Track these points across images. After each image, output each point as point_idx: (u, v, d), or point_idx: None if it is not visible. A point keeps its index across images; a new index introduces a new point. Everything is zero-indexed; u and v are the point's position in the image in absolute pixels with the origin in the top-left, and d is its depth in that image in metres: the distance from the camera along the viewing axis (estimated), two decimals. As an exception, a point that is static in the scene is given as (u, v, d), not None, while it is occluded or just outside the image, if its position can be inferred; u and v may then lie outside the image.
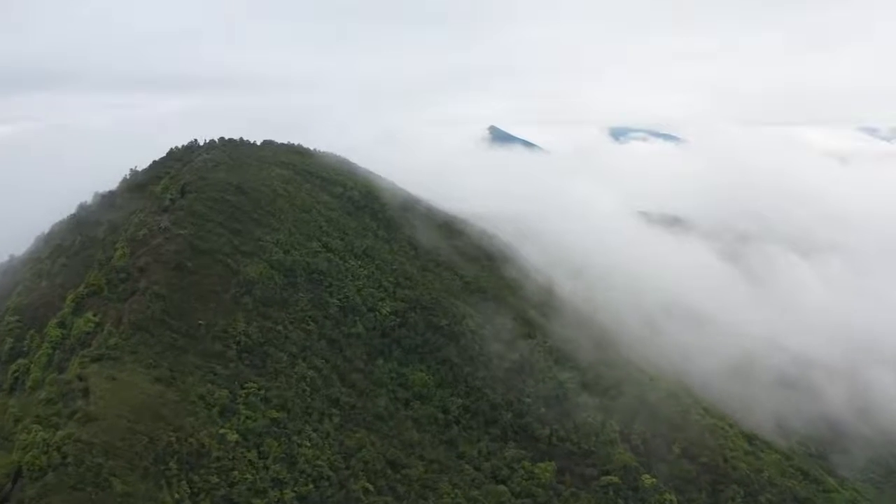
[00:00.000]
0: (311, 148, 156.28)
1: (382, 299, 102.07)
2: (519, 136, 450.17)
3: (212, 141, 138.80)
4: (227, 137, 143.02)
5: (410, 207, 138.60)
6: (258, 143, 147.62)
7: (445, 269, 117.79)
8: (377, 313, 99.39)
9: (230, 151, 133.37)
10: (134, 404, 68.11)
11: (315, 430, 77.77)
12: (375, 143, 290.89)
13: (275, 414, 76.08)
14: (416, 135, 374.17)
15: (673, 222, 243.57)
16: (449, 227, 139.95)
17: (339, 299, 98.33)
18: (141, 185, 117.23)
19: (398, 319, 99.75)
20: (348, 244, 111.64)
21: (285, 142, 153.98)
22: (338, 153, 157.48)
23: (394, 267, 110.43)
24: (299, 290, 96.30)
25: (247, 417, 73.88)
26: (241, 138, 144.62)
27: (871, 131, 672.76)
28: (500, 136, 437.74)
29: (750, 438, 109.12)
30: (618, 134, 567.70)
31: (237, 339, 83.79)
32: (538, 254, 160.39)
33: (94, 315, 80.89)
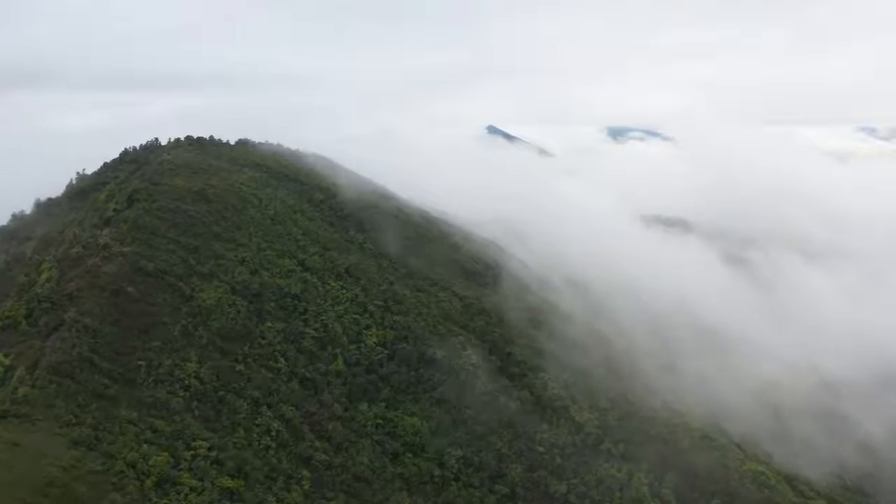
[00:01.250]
0: (296, 148, 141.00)
1: (368, 327, 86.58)
2: (516, 135, 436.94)
3: (176, 140, 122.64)
4: (195, 136, 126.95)
5: (403, 216, 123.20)
6: (231, 143, 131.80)
7: (442, 289, 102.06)
8: (361, 345, 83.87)
9: (196, 152, 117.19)
10: (39, 480, 52.45)
11: (280, 501, 62.34)
12: (371, 142, 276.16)
13: (228, 482, 60.46)
14: (413, 134, 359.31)
15: (673, 223, 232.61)
16: (445, 238, 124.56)
17: (315, 329, 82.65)
18: (86, 191, 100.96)
19: (386, 352, 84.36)
20: (329, 261, 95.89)
21: (279, 142, 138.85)
22: (330, 153, 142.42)
23: (382, 287, 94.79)
24: (267, 320, 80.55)
25: (191, 489, 58.21)
26: (210, 137, 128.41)
27: (870, 131, 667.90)
28: (497, 136, 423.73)
29: (790, 480, 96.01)
30: (616, 133, 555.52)
31: (186, 383, 68.13)
32: (538, 259, 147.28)
33: (7, 356, 65.02)
